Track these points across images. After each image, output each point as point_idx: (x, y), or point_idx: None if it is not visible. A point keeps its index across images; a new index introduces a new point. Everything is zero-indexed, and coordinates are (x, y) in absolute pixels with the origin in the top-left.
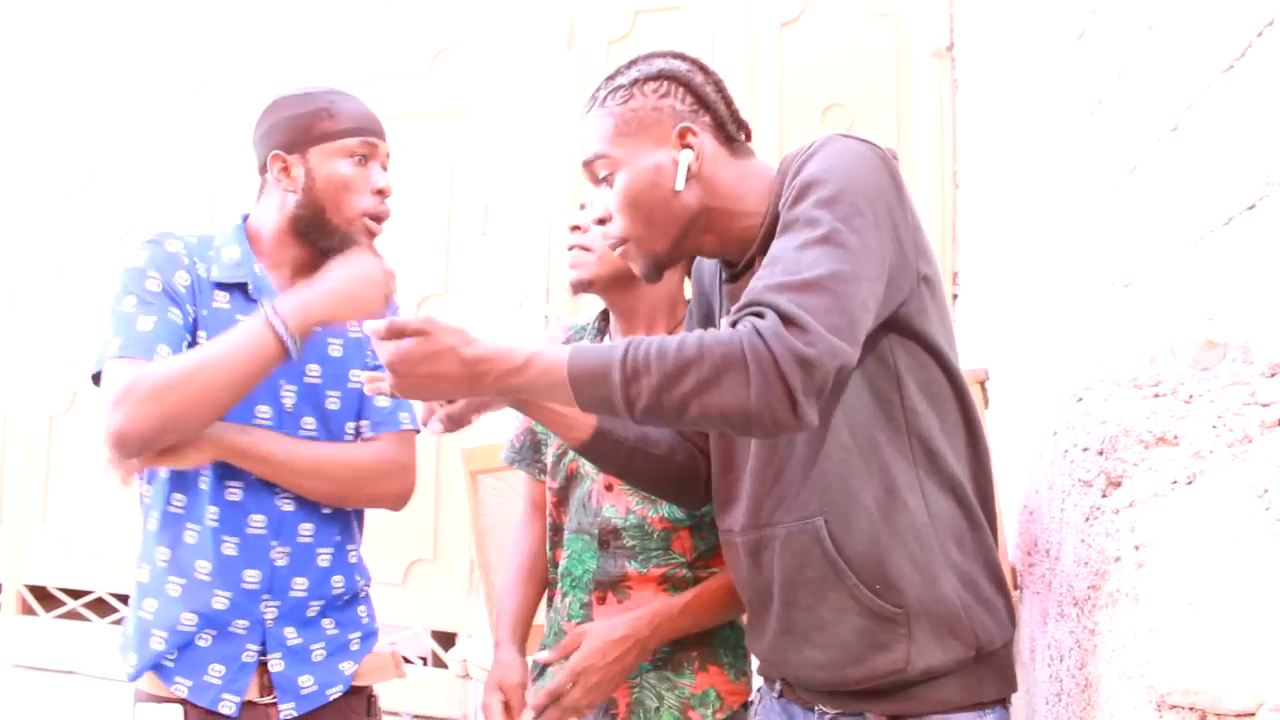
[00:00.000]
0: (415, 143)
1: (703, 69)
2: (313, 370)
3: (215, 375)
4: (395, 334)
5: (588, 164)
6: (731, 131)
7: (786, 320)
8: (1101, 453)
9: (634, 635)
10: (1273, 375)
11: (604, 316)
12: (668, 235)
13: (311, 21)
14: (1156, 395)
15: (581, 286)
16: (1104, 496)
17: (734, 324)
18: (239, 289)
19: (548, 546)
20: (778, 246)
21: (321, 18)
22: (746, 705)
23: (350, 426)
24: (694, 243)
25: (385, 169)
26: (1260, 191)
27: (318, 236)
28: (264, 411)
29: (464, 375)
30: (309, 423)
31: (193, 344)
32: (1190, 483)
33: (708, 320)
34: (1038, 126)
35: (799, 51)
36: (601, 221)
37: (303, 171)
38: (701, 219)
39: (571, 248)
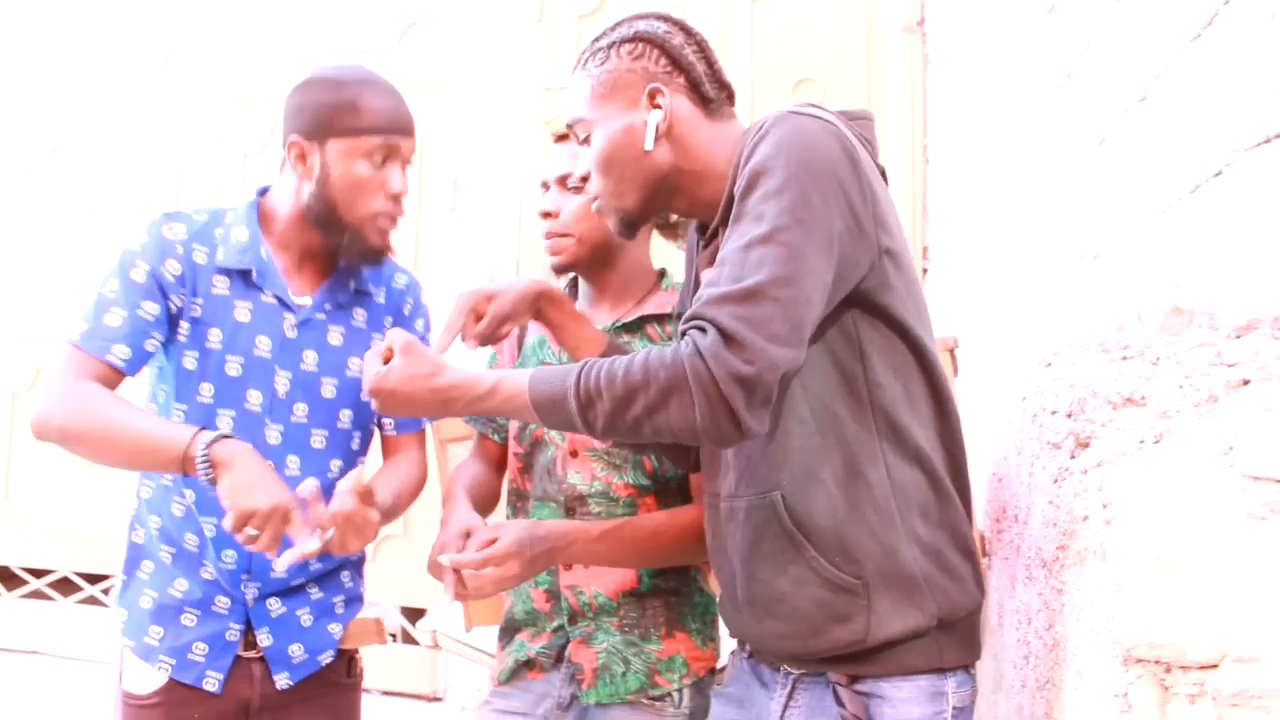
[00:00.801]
0: None
1: (685, 30)
2: (309, 357)
3: (117, 447)
4: (388, 355)
5: (570, 127)
6: (708, 92)
7: (727, 337)
8: (1070, 415)
9: (551, 540)
10: (1238, 337)
11: (573, 284)
12: (637, 193)
13: None
14: (1124, 358)
15: (563, 269)
16: (1072, 458)
17: (683, 334)
18: (242, 274)
19: (509, 513)
20: (727, 244)
21: None
22: (713, 671)
23: (346, 415)
24: (663, 202)
25: (408, 165)
26: (1227, 159)
27: (327, 230)
28: (254, 397)
29: (435, 400)
30: (300, 409)
31: (171, 336)
32: (1157, 442)
33: (691, 275)
34: (1007, 101)
35: (770, 26)
36: (584, 179)
37: (319, 163)
38: (671, 179)
39: (549, 235)
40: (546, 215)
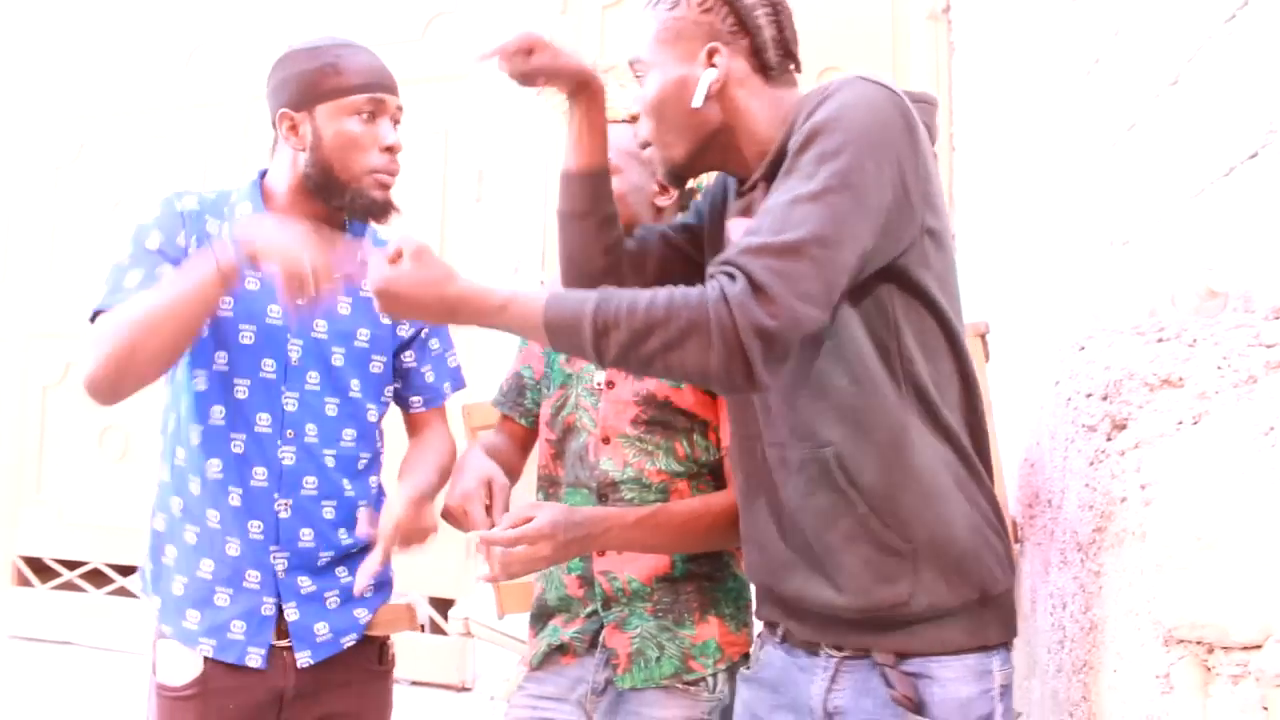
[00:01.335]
0: (409, 109)
1: None
2: (320, 326)
3: (163, 327)
4: (396, 257)
5: (630, 64)
6: (769, 59)
7: (756, 288)
8: (1106, 397)
9: (586, 526)
10: (1277, 318)
11: None
12: (685, 146)
13: None
14: (1160, 340)
15: None
16: (1109, 440)
17: (711, 276)
18: None
19: (541, 499)
20: (774, 195)
21: None
22: (746, 656)
23: (356, 385)
24: (713, 159)
25: (397, 123)
26: (1263, 140)
27: (328, 195)
28: (269, 365)
29: (443, 309)
30: (313, 377)
31: None
32: (1196, 423)
33: (713, 209)
34: (1035, 88)
35: (796, 13)
36: (633, 119)
37: (310, 130)
38: (721, 138)
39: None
40: None
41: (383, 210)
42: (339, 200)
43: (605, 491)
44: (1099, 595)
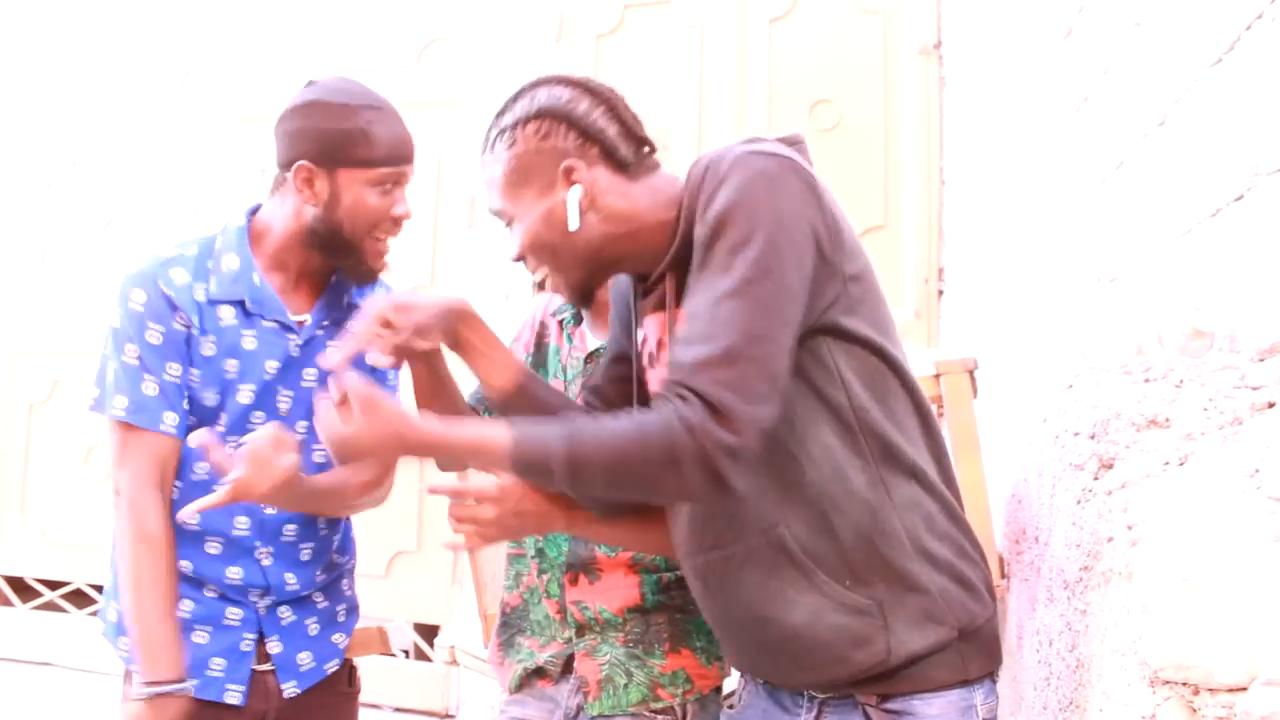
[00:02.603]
0: None
1: (591, 92)
2: (309, 375)
3: (130, 620)
4: (343, 403)
5: (493, 214)
6: (624, 157)
7: (712, 408)
8: (1093, 436)
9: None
10: (1262, 360)
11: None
12: (579, 269)
13: (299, 10)
14: (1147, 380)
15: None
16: (1096, 479)
17: (665, 398)
18: (239, 303)
19: None
20: (695, 296)
21: (309, 6)
22: (718, 690)
23: None
24: (611, 268)
25: (405, 185)
26: (1248, 183)
27: (330, 252)
28: (258, 418)
29: (403, 452)
30: (301, 426)
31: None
32: (1182, 464)
33: (627, 329)
34: (1024, 124)
35: (787, 48)
36: (519, 258)
37: (327, 189)
38: (610, 247)
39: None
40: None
41: (374, 276)
42: (338, 259)
43: None
44: (1085, 634)
